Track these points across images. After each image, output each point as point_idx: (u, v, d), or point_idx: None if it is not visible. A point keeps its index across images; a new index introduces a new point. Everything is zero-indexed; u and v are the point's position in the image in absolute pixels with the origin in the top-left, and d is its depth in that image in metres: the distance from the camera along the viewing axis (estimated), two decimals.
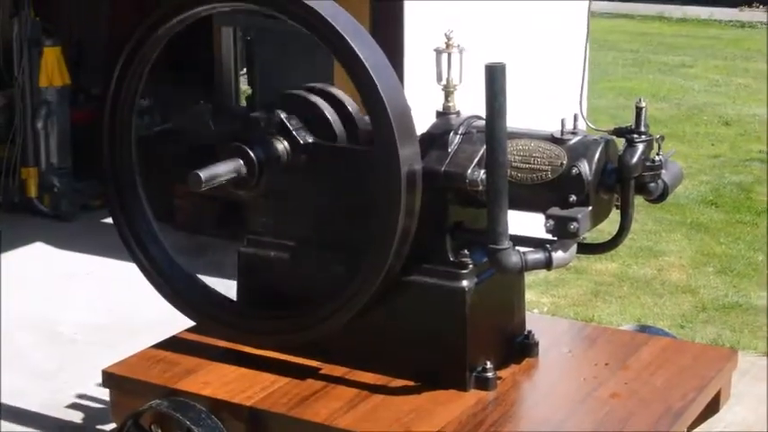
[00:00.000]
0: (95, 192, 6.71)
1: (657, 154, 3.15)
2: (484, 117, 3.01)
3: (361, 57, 3.03)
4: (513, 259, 3.04)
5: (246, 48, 7.36)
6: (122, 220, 3.56)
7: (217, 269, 5.27)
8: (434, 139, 3.25)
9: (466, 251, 3.22)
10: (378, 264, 3.13)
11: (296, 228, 3.43)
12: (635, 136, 3.12)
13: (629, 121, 3.20)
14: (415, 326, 3.27)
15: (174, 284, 3.54)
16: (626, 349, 3.54)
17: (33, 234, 6.54)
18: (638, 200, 3.21)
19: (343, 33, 3.05)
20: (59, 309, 5.43)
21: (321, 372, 3.35)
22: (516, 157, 3.16)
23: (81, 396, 4.40)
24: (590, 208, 3.09)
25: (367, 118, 3.20)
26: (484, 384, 3.24)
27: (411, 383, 3.27)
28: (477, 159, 3.18)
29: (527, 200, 3.16)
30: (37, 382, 4.63)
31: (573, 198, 3.09)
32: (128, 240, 3.57)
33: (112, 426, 3.51)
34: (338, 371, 3.34)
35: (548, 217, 3.07)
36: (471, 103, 3.31)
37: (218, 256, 5.90)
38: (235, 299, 3.55)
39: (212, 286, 3.58)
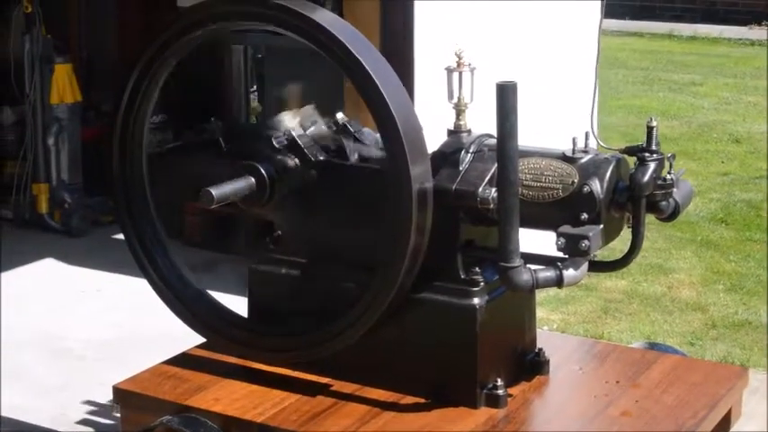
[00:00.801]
0: (106, 208, 6.73)
1: (669, 173, 3.15)
2: (495, 135, 3.01)
3: (373, 75, 3.04)
4: (525, 277, 3.04)
5: (257, 65, 7.38)
6: (133, 236, 3.57)
7: (227, 285, 5.27)
8: (446, 158, 3.26)
9: (477, 269, 3.22)
10: (388, 281, 3.13)
11: (306, 245, 3.43)
12: (646, 155, 3.12)
13: (639, 138, 3.20)
14: (426, 343, 3.27)
15: (185, 300, 3.55)
16: (636, 367, 3.53)
17: (44, 250, 6.55)
18: (649, 218, 3.21)
19: (354, 52, 3.06)
20: (69, 324, 5.44)
21: (332, 388, 3.35)
22: (527, 176, 3.16)
23: (91, 412, 4.40)
24: (601, 226, 3.09)
25: (378, 136, 3.21)
26: (494, 402, 3.23)
27: (422, 400, 3.27)
28: (488, 178, 3.18)
29: (538, 218, 3.16)
30: (46, 397, 4.64)
31: (584, 216, 3.10)
32: (138, 256, 3.58)
33: None
34: (349, 387, 3.35)
35: (559, 235, 3.07)
36: (482, 122, 3.31)
37: (229, 273, 5.90)
38: (245, 315, 3.55)
39: (223, 302, 3.58)
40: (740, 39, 15.13)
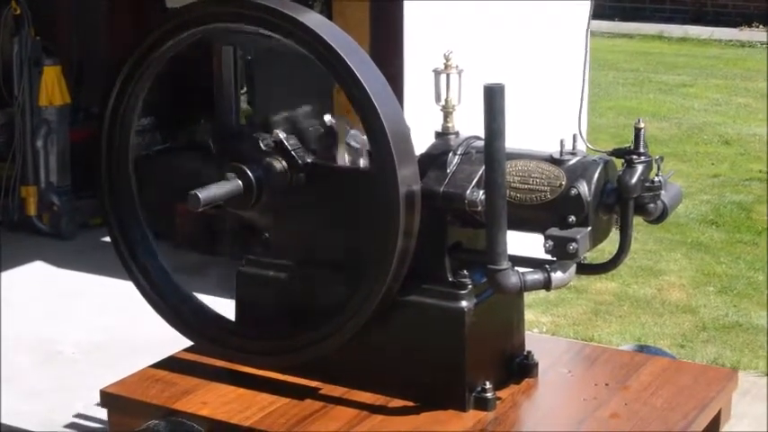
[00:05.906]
0: (95, 210, 6.70)
1: (657, 175, 3.15)
2: (483, 137, 3.00)
3: (360, 78, 3.03)
4: (512, 280, 3.04)
5: (247, 67, 7.36)
6: (120, 238, 3.56)
7: (215, 289, 5.26)
8: (433, 160, 3.25)
9: (465, 271, 3.21)
10: (376, 284, 3.12)
11: (294, 248, 3.42)
12: (634, 157, 3.12)
13: (630, 139, 3.20)
14: (414, 346, 3.26)
15: (172, 304, 3.54)
16: (626, 369, 3.53)
17: (33, 253, 6.53)
18: (638, 220, 3.20)
19: (342, 55, 3.05)
20: (58, 328, 5.42)
21: (320, 392, 3.34)
22: (515, 178, 3.16)
23: (79, 416, 4.38)
24: (589, 228, 3.09)
25: (366, 138, 3.20)
26: (483, 405, 3.23)
27: (410, 404, 3.26)
28: (476, 180, 3.18)
29: (526, 220, 3.15)
30: (35, 401, 4.62)
31: (572, 219, 3.09)
32: (125, 259, 3.56)
33: None
34: (337, 391, 3.34)
35: (547, 237, 3.07)
36: (470, 124, 3.30)
37: (217, 276, 5.89)
38: (233, 318, 3.54)
39: (211, 306, 3.57)
40: (731, 40, 15.15)
